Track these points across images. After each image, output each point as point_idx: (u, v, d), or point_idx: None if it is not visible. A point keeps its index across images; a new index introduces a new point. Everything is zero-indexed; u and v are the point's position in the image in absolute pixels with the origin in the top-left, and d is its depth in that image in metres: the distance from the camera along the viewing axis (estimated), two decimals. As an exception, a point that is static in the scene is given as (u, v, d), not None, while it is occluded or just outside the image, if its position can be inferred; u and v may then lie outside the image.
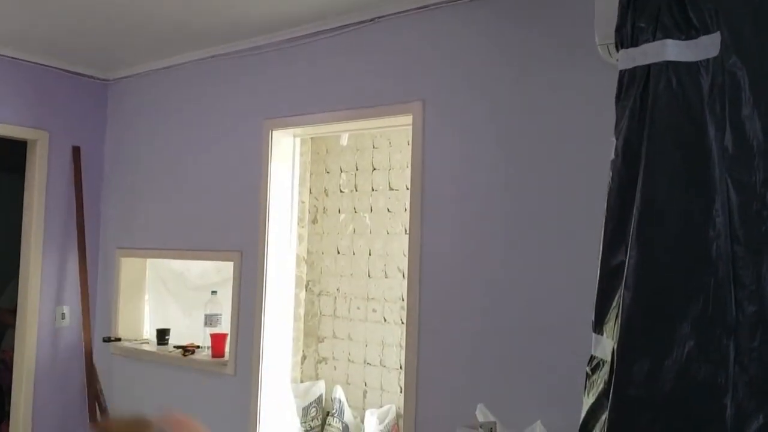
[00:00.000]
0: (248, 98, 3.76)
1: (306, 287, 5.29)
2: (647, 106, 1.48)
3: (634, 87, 1.53)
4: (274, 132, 3.60)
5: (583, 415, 1.53)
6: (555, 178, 2.72)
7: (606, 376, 1.45)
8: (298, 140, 3.76)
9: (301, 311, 5.28)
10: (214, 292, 3.83)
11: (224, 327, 3.79)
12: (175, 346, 3.93)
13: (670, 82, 1.45)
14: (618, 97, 1.59)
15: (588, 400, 1.53)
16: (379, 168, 4.95)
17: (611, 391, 1.40)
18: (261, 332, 3.57)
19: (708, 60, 1.42)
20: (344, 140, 4.22)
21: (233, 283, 3.67)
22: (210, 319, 3.79)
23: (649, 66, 1.49)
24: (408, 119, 3.19)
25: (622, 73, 1.57)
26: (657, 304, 1.38)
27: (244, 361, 3.63)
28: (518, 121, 2.83)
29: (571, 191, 2.68)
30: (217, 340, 3.72)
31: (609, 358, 1.46)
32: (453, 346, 2.94)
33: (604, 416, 1.42)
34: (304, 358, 5.26)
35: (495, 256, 2.85)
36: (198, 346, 3.91)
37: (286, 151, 3.70)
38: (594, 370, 1.54)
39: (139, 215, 4.27)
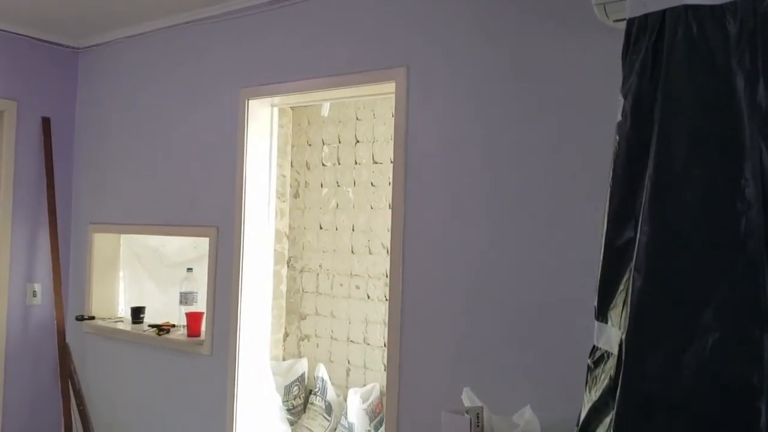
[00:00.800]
0: (224, 66, 3.49)
1: (288, 263, 5.06)
2: (661, 60, 1.25)
3: (646, 37, 1.29)
4: (250, 101, 3.34)
5: (583, 413, 1.30)
6: (549, 149, 2.49)
7: (612, 371, 1.23)
8: (276, 110, 3.50)
9: (283, 288, 5.05)
10: (189, 270, 3.60)
11: (200, 305, 3.55)
12: (150, 325, 3.70)
13: (689, 30, 1.21)
14: (625, 52, 1.35)
15: (590, 397, 1.30)
16: (362, 140, 4.70)
17: (619, 388, 1.18)
18: (238, 311, 3.34)
19: (735, 2, 1.18)
20: (325, 111, 3.96)
21: (209, 260, 3.43)
22: (185, 297, 3.55)
23: (664, 12, 1.25)
24: (391, 87, 2.94)
25: (631, 23, 1.34)
26: (674, 288, 1.16)
27: (221, 341, 3.40)
28: (509, 89, 2.59)
29: (567, 161, 2.45)
30: (193, 319, 3.49)
31: (616, 350, 1.23)
32: (438, 325, 2.73)
33: (610, 417, 1.21)
34: (286, 335, 5.04)
35: (483, 232, 2.63)
36: (173, 325, 3.68)
37: (263, 122, 3.45)
38: (597, 363, 1.32)
39: (112, 189, 4.00)
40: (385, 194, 4.57)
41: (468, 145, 2.67)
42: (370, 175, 4.65)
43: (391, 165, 4.53)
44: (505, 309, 2.55)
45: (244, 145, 3.34)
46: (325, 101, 3.54)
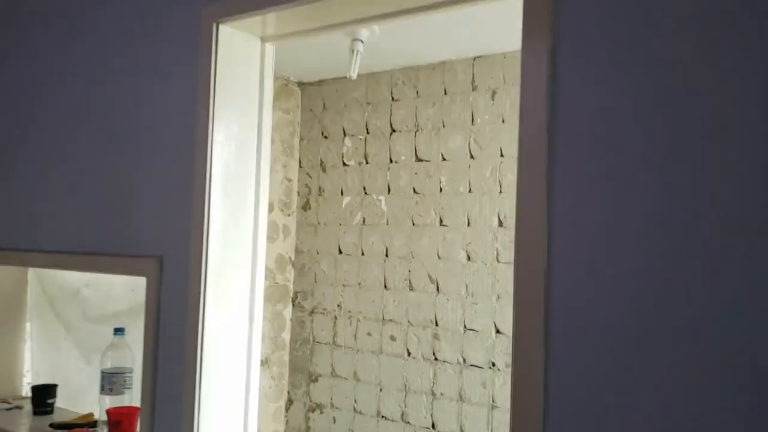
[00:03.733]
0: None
1: (293, 302, 3.41)
2: None
3: None
4: (221, 28, 1.71)
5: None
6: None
7: None
8: (271, 50, 1.86)
9: (286, 336, 3.40)
10: (118, 332, 1.95)
11: (136, 393, 1.91)
12: (55, 426, 2.04)
13: None
14: None
15: None
16: (400, 129, 3.08)
17: None
18: (195, 407, 1.69)
19: None
20: (354, 70, 2.32)
21: (146, 314, 1.78)
22: (110, 381, 1.91)
23: None
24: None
25: None
26: None
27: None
28: (718, 39, 0.97)
29: None
30: (122, 418, 1.84)
31: None
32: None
33: None
34: (289, 403, 3.38)
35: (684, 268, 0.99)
36: (96, 422, 2.04)
37: (246, 70, 1.82)
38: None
39: (11, 198, 2.36)
40: (433, 205, 2.93)
41: (641, 123, 1.04)
42: (411, 178, 3.02)
43: (444, 162, 2.89)
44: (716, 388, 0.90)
45: (209, 115, 1.70)
46: (370, 20, 1.77)
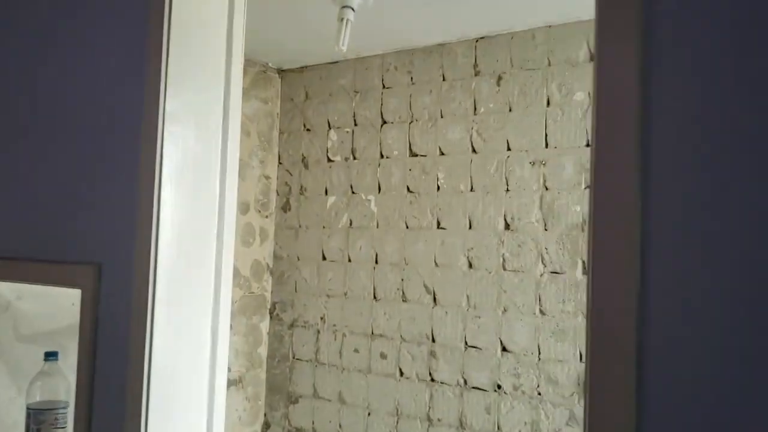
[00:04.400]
0: None
1: (271, 314, 3.03)
2: None
3: None
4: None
5: None
6: None
7: None
8: (241, 10, 1.49)
9: (263, 352, 3.02)
10: (50, 356, 1.56)
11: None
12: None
13: None
14: None
15: None
16: (392, 120, 2.72)
17: None
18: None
19: None
20: (343, 41, 1.95)
21: (80, 334, 1.40)
22: (37, 420, 1.52)
23: None
24: None
25: None
26: None
27: None
28: None
29: None
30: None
31: None
32: None
33: None
34: (266, 427, 3.00)
35: None
36: (25, 466, 1.64)
37: (208, 36, 1.45)
38: None
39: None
40: (430, 205, 2.58)
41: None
42: (405, 175, 2.66)
43: (442, 157, 2.54)
44: None
45: (159, 90, 1.32)
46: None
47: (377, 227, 2.71)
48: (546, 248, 2.32)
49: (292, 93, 3.02)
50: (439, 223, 2.55)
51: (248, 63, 2.92)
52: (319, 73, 2.93)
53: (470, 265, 2.47)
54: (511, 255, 2.39)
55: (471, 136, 2.50)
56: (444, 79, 2.58)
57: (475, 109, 2.50)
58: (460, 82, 2.54)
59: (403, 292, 2.62)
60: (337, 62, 2.88)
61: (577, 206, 2.28)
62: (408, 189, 2.64)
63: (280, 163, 3.05)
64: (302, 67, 2.99)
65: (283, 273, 2.99)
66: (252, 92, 2.96)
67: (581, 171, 2.27)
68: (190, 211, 1.41)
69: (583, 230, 2.26)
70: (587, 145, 2.25)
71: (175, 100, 1.35)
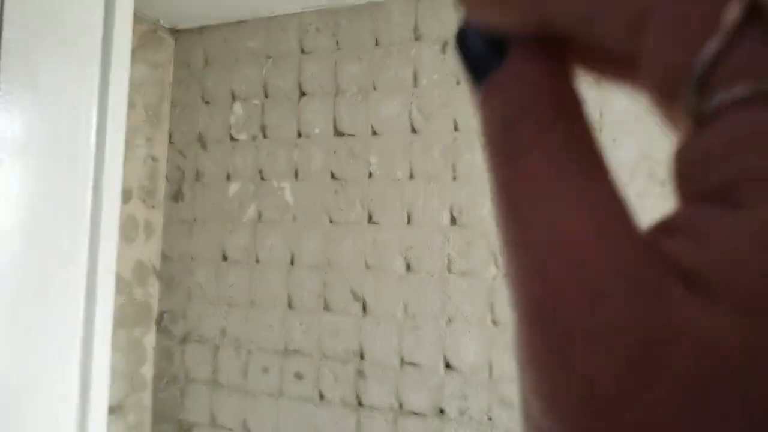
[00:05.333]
0: None
1: (158, 324, 2.46)
2: None
3: None
4: None
5: None
6: None
7: None
8: None
9: (147, 373, 2.45)
10: None
11: None
12: None
13: None
14: None
15: None
16: (313, 92, 2.24)
17: None
18: None
19: None
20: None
21: None
22: None
23: None
24: None
25: None
26: None
27: None
28: None
29: None
30: None
31: None
32: None
33: None
34: (150, 465, 2.43)
35: None
36: None
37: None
38: None
39: None
40: (360, 195, 2.13)
41: None
42: (329, 158, 2.19)
43: (374, 138, 2.10)
44: None
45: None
46: None
47: (293, 221, 2.23)
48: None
49: (189, 58, 2.47)
50: (370, 217, 2.10)
51: (134, 19, 2.35)
52: (222, 34, 2.40)
53: (408, 268, 2.04)
54: (458, 255, 1.98)
55: (410, 113, 2.07)
56: (377, 44, 2.14)
57: (416, 80, 2.07)
58: (397, 48, 2.10)
59: (325, 300, 2.15)
60: (244, 21, 2.36)
61: (539, 197, 1.90)
62: (332, 175, 2.17)
63: (171, 142, 2.49)
64: (201, 27, 2.45)
65: (174, 276, 2.44)
66: (138, 54, 2.38)
67: (544, 156, 1.90)
68: (46, 201, 0.89)
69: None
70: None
71: (26, 60, 0.83)
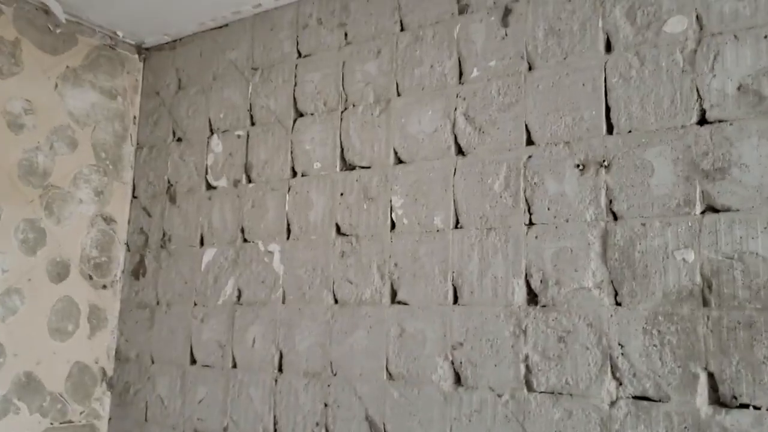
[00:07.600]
0: None
1: (106, 457, 1.67)
2: None
3: None
4: None
5: None
6: None
7: None
8: None
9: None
10: None
11: None
12: None
13: None
14: None
15: None
16: (313, 111, 1.48)
17: None
18: None
19: None
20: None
21: None
22: None
23: None
24: None
25: None
26: None
27: None
28: None
29: None
30: None
31: None
32: None
33: None
34: None
35: None
36: None
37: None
38: None
39: None
40: (378, 258, 1.30)
41: None
42: (333, 203, 1.39)
43: (407, 167, 1.27)
44: None
45: None
46: None
47: (283, 302, 1.42)
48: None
49: (158, 83, 1.78)
50: (394, 294, 1.26)
51: (81, 28, 1.70)
52: (198, 46, 1.70)
53: (457, 380, 1.18)
54: (540, 358, 1.10)
55: (454, 124, 1.26)
56: (403, 28, 1.36)
57: (461, 74, 1.28)
58: (433, 29, 1.32)
59: (326, 430, 1.30)
60: (225, 26, 1.66)
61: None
62: (338, 229, 1.37)
63: (134, 197, 1.77)
64: (174, 41, 1.77)
65: (130, 386, 1.66)
66: (86, 77, 1.71)
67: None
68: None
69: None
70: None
71: None
